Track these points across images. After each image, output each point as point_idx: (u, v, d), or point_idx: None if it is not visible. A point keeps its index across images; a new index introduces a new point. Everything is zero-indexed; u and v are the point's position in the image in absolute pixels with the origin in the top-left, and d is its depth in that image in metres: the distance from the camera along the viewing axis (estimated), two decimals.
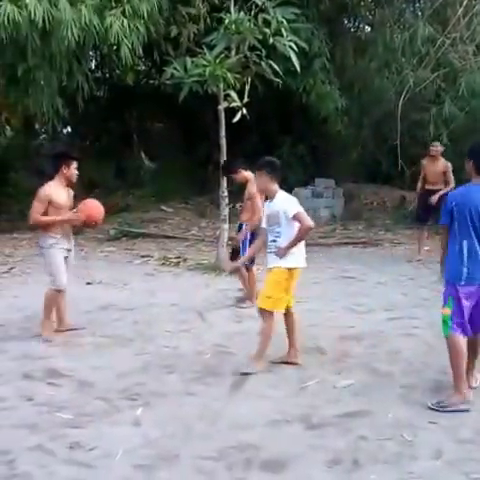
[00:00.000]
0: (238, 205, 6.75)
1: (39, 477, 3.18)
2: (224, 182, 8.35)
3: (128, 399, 4.12)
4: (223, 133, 8.20)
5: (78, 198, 5.78)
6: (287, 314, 4.77)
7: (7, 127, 15.63)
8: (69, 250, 5.62)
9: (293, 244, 4.55)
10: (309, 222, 4.57)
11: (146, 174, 16.07)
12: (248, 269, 6.46)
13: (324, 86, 11.71)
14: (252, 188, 6.15)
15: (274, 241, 4.64)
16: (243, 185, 6.52)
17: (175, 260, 9.03)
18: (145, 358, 4.88)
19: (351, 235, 11.51)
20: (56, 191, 5.53)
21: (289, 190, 12.90)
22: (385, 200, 14.17)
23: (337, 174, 14.01)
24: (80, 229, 5.78)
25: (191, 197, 14.14)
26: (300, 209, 4.59)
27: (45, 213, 5.46)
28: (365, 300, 6.76)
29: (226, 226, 8.43)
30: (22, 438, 3.59)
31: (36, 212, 5.45)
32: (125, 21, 8.37)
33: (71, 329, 5.69)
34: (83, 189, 10.30)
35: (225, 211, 8.42)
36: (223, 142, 8.23)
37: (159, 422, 3.77)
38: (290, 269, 4.59)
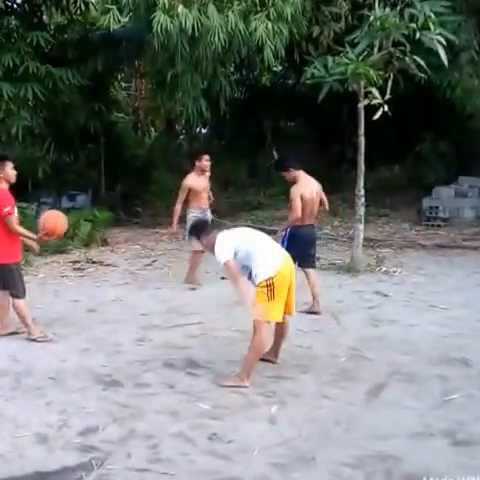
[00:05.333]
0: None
1: (181, 464, 3.29)
2: (361, 181, 8.17)
3: (263, 396, 4.16)
4: (362, 131, 8.00)
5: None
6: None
7: (152, 129, 16.65)
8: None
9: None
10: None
11: (278, 173, 16.15)
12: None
13: (471, 80, 11.02)
14: (295, 190, 6.18)
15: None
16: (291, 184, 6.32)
17: None
18: (278, 356, 4.88)
19: None
20: (194, 180, 7.22)
21: (428, 188, 12.51)
22: None
23: None
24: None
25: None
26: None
27: (187, 198, 7.18)
28: None
29: (361, 226, 8.25)
30: (165, 424, 3.76)
31: (178, 200, 7.19)
32: (269, 24, 8.47)
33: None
34: (218, 187, 10.62)
35: (361, 210, 8.24)
36: (362, 140, 8.04)
37: (294, 422, 3.77)
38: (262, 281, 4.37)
